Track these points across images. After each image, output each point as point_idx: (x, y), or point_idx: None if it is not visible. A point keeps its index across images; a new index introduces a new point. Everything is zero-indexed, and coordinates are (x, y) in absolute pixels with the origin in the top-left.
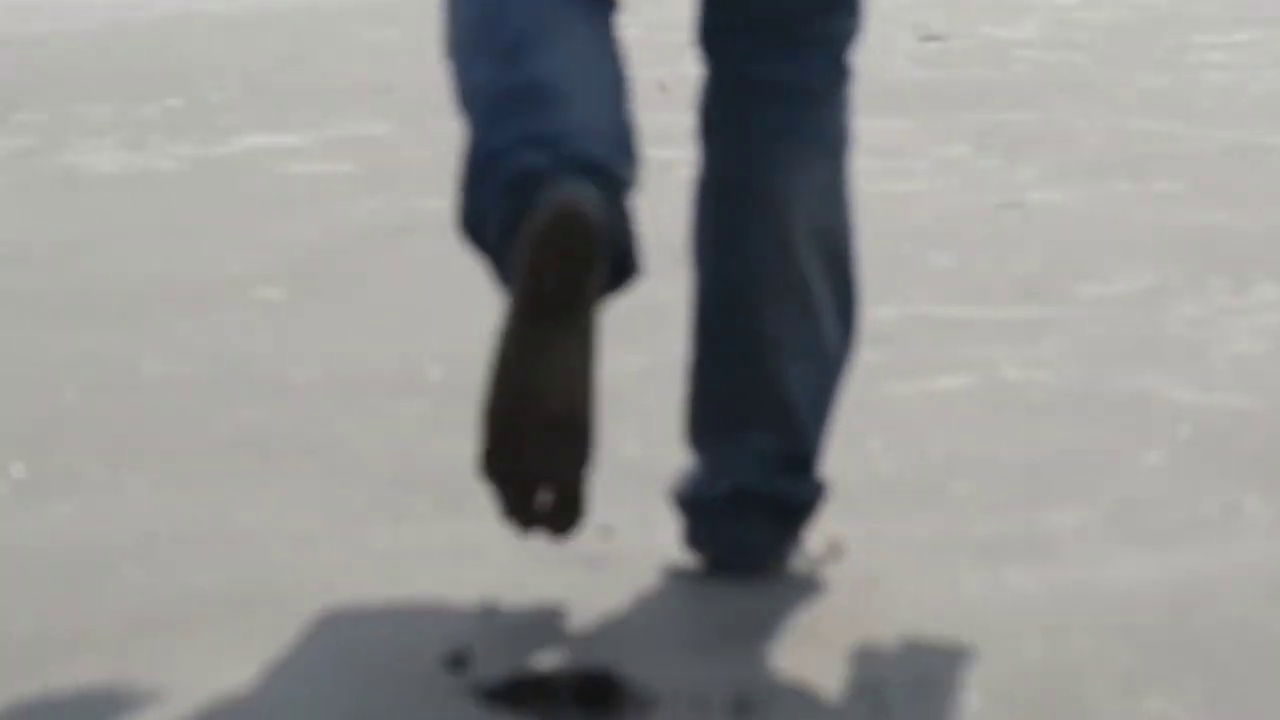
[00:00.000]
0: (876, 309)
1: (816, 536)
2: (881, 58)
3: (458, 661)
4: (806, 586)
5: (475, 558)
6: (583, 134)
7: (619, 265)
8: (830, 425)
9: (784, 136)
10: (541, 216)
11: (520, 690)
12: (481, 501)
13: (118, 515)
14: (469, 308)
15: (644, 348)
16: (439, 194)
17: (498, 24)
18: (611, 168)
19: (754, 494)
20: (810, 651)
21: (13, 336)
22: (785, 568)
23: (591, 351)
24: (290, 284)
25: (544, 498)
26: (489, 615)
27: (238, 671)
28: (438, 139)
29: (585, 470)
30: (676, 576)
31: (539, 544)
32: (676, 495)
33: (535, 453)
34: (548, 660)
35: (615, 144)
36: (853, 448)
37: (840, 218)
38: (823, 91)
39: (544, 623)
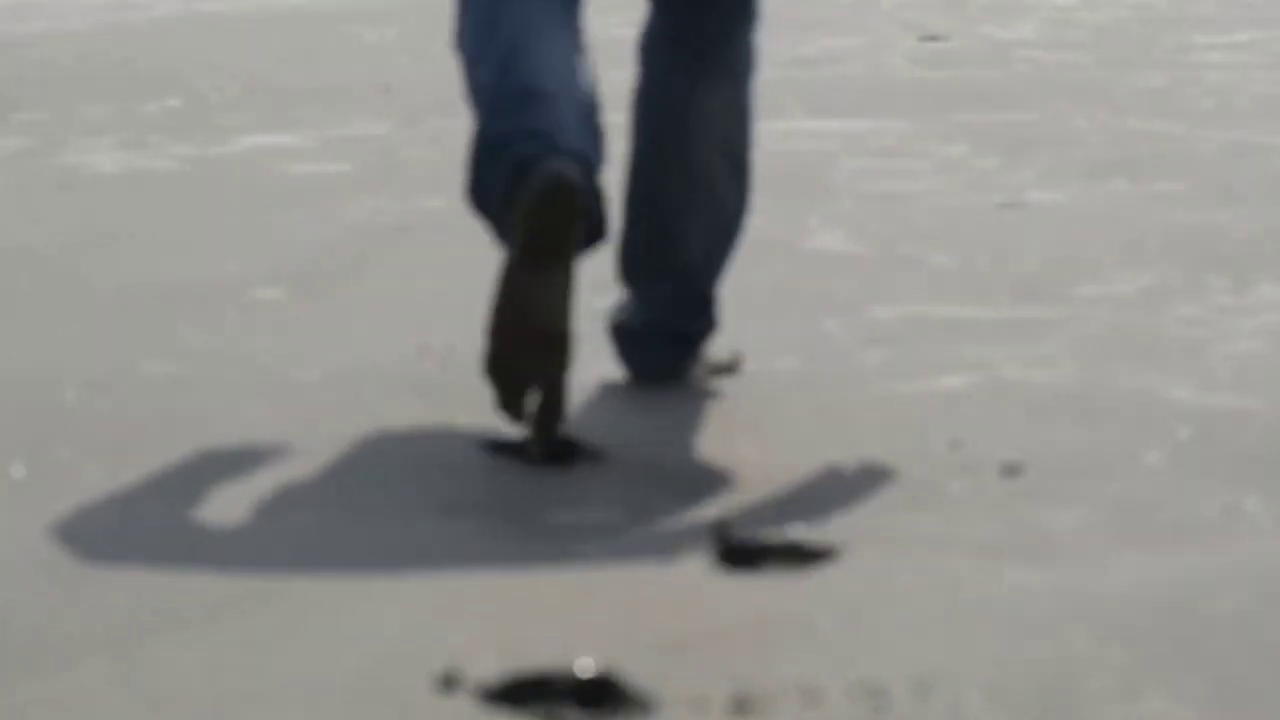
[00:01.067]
0: (876, 309)
1: (720, 350)
2: (881, 58)
3: (449, 681)
4: (807, 587)
5: (475, 558)
6: (564, 129)
7: (592, 228)
8: (725, 270)
9: (699, 62)
10: (535, 183)
11: (520, 690)
12: (481, 501)
13: (118, 515)
14: (469, 307)
15: None
16: (439, 194)
17: (495, 31)
18: (587, 154)
19: (660, 327)
20: (810, 651)
21: (13, 336)
22: (688, 378)
23: (571, 289)
24: (290, 284)
25: (533, 401)
26: (489, 615)
27: (238, 671)
28: (438, 139)
29: (566, 375)
30: (677, 576)
31: (539, 544)
32: (609, 323)
33: (528, 359)
34: (548, 660)
35: (589, 136)
36: (853, 448)
37: (742, 127)
38: (733, 30)
39: (544, 623)
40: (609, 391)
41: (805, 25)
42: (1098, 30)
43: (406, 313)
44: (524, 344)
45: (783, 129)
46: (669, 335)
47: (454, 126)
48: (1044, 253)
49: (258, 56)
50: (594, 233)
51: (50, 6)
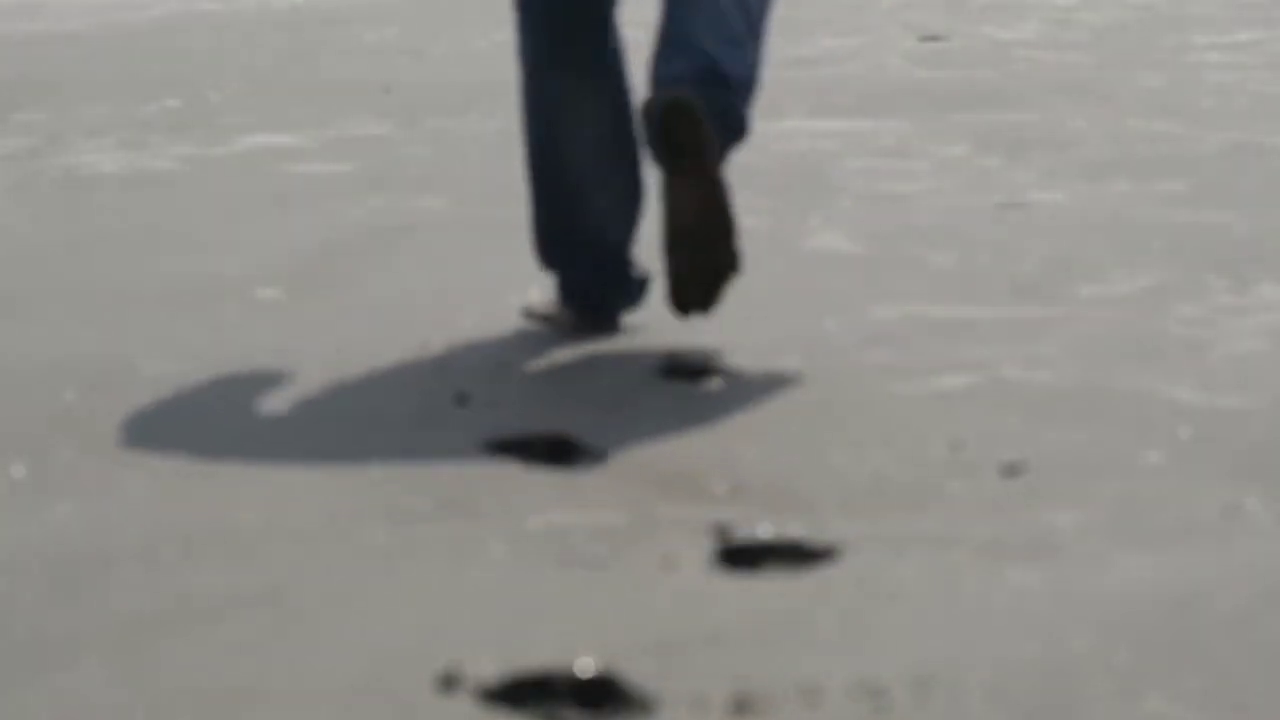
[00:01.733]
0: (876, 309)
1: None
2: (881, 58)
3: (449, 681)
4: (807, 587)
5: (475, 558)
6: (593, 226)
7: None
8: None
9: None
10: (574, 307)
11: (520, 690)
12: (481, 501)
13: (118, 515)
14: (468, 307)
15: (644, 350)
16: (439, 194)
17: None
18: (607, 242)
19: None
20: (810, 651)
21: (13, 336)
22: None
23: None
24: (290, 284)
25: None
26: (488, 615)
27: (238, 671)
28: (438, 139)
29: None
30: (678, 576)
31: (539, 544)
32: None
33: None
34: (548, 660)
35: (618, 218)
36: (853, 448)
37: None
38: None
39: (544, 623)
40: (609, 391)
41: (805, 25)
42: (1098, 30)
43: (406, 313)
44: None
45: (783, 129)
46: (685, 84)
47: (454, 126)
48: (1044, 253)
49: (258, 56)
50: (612, 309)
51: (50, 6)
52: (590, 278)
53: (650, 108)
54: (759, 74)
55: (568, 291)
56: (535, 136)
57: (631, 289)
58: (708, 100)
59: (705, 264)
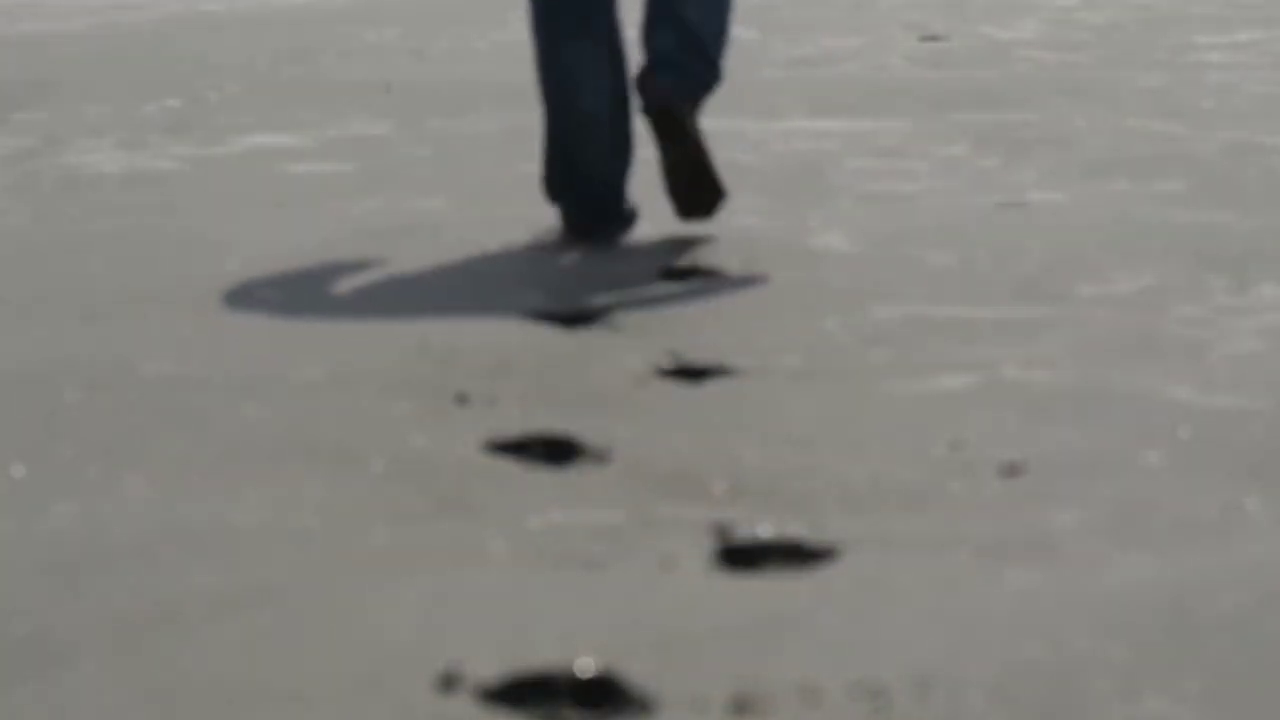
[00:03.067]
0: (876, 309)
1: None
2: (881, 58)
3: (449, 681)
4: (807, 587)
5: (475, 558)
6: (595, 160)
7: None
8: (719, 35)
9: None
10: (572, 225)
11: (520, 690)
12: (481, 501)
13: (118, 515)
14: (468, 307)
15: (644, 350)
16: (439, 194)
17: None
18: (605, 179)
19: (666, 60)
20: (810, 651)
21: (13, 336)
22: (682, 111)
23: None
24: (290, 284)
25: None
26: (488, 615)
27: (237, 671)
28: (438, 139)
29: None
30: (678, 576)
31: (539, 544)
32: (636, 75)
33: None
34: (548, 660)
35: (614, 157)
36: (853, 448)
37: None
38: None
39: (544, 623)
40: (609, 391)
41: (805, 25)
42: (1098, 30)
43: (406, 313)
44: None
45: (783, 129)
46: (673, 66)
47: (454, 126)
48: (1044, 253)
49: (258, 56)
50: (608, 231)
51: (50, 6)
52: (592, 206)
53: (645, 92)
54: (731, 21)
55: (573, 218)
56: (556, 91)
57: (624, 217)
58: (691, 73)
59: (698, 198)
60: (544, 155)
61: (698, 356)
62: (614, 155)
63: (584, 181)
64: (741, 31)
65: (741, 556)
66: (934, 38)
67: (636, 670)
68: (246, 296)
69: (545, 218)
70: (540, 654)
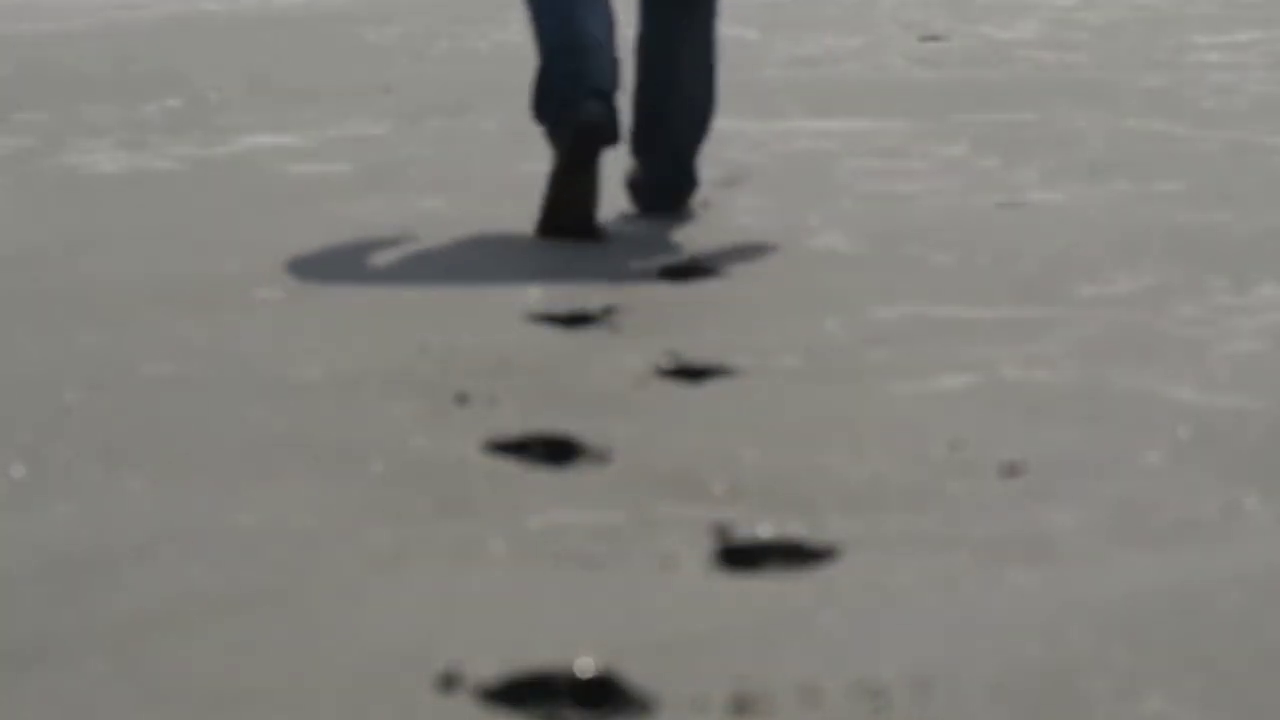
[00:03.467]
0: (876, 309)
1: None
2: (881, 58)
3: (449, 681)
4: (807, 587)
5: (475, 558)
6: (598, 72)
7: (609, 135)
8: (700, 148)
9: (680, 13)
10: (579, 121)
11: (520, 690)
12: (481, 501)
13: (118, 515)
14: (468, 308)
15: (644, 350)
16: (439, 194)
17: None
18: (609, 88)
19: (658, 182)
20: (810, 651)
21: (13, 336)
22: (681, 212)
23: (597, 185)
24: (290, 284)
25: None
26: (488, 614)
27: (238, 671)
28: (438, 139)
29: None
30: (678, 576)
31: (539, 544)
32: (626, 180)
33: (567, 232)
34: (548, 660)
35: (612, 74)
36: (853, 448)
37: (712, 51)
38: None
39: (544, 622)
40: (609, 391)
41: (805, 25)
42: (1098, 30)
43: (406, 313)
44: (564, 221)
45: (783, 129)
46: (664, 187)
47: (454, 126)
48: (1044, 253)
49: (258, 56)
50: (610, 137)
51: (50, 6)
52: (592, 119)
53: (639, 199)
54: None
55: (569, 130)
56: (552, 16)
57: (618, 128)
58: (682, 189)
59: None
60: (537, 74)
61: (698, 356)
62: (610, 69)
63: (579, 95)
64: (742, 31)
65: (741, 556)
66: (934, 38)
67: (636, 670)
68: (246, 296)
69: None
70: (540, 654)
